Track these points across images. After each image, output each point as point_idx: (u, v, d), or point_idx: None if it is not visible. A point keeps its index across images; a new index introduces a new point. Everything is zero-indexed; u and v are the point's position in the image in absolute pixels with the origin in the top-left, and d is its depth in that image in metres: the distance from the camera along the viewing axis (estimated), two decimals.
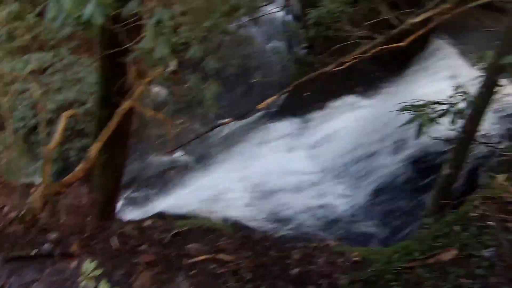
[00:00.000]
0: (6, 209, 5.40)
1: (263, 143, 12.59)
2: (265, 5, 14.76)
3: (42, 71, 13.26)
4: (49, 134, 11.98)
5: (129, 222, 6.43)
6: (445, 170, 5.74)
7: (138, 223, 6.08)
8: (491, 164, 7.84)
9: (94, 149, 4.54)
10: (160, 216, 9.50)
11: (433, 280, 4.31)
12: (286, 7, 14.26)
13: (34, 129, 12.29)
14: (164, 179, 11.87)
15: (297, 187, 10.71)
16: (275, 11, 14.91)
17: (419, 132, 5.19)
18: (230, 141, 13.16)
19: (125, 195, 11.03)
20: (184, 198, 10.49)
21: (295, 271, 5.01)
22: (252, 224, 9.64)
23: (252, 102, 14.81)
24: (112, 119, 4.89)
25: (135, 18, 4.42)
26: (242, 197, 10.52)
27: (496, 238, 4.31)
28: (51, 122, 11.41)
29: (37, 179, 10.57)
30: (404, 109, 5.48)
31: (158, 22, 4.40)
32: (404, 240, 5.37)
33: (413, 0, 10.30)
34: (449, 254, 4.39)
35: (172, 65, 6.12)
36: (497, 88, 5.24)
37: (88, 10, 3.43)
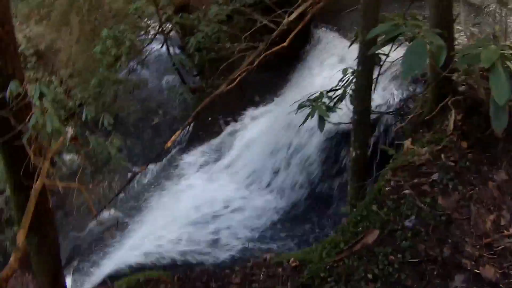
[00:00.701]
0: None
1: (184, 178, 12.58)
2: (147, 45, 14.90)
3: None
4: None
5: None
6: (353, 153, 5.80)
7: None
8: (397, 132, 7.82)
9: (20, 237, 4.52)
10: (110, 278, 9.50)
11: (363, 266, 4.38)
12: (166, 41, 14.34)
13: None
14: (103, 241, 11.59)
15: (227, 209, 10.72)
16: (157, 48, 15.08)
17: (321, 124, 5.24)
18: (152, 186, 13.17)
19: (72, 269, 10.96)
20: (127, 254, 10.36)
21: None
22: (192, 259, 9.64)
23: (162, 141, 14.93)
24: (29, 202, 4.87)
25: (18, 99, 4.44)
26: (180, 236, 10.28)
27: (414, 205, 4.43)
28: None
29: None
30: (300, 106, 5.53)
31: (41, 96, 4.45)
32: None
33: (285, 1, 10.57)
34: (372, 236, 4.46)
35: (70, 132, 6.14)
36: (373, 62, 5.36)
37: None
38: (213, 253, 9.63)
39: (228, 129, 12.98)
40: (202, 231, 10.26)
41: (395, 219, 4.46)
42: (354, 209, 5.26)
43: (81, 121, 14.27)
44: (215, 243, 9.89)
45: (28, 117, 4.58)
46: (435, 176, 4.69)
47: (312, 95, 5.80)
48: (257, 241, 9.60)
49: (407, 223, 4.34)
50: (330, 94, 5.87)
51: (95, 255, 11.38)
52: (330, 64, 10.48)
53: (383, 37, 4.05)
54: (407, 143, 5.42)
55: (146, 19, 14.25)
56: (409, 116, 6.23)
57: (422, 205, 4.39)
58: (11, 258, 4.38)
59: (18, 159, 5.17)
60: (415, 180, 4.66)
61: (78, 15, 13.86)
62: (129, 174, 13.67)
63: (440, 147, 5.08)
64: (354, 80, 5.65)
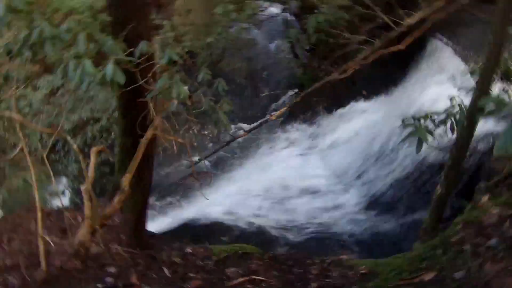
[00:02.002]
0: (53, 245, 5.84)
1: (276, 148, 12.87)
2: (265, 8, 15.09)
3: (53, 93, 13.64)
4: (68, 153, 12.51)
5: (172, 249, 6.82)
6: (438, 190, 5.93)
7: (180, 251, 6.47)
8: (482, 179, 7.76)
9: (126, 181, 4.88)
10: (185, 228, 9.88)
11: None
12: (285, 9, 14.50)
13: (52, 148, 12.64)
14: (185, 186, 12.04)
15: (311, 192, 10.90)
16: (272, 10, 15.24)
17: (419, 147, 5.31)
18: (245, 147, 13.45)
19: (149, 203, 11.19)
20: (207, 207, 10.71)
21: (314, 285, 5.43)
22: (273, 232, 9.91)
23: (262, 104, 15.17)
24: (138, 149, 5.22)
25: (146, 57, 4.80)
26: (263, 204, 10.76)
27: (467, 262, 4.66)
28: (68, 142, 11.84)
29: (61, 200, 11.03)
30: (405, 124, 5.62)
31: (169, 61, 4.83)
32: (404, 253, 5.64)
33: (406, 1, 10.59)
34: (429, 275, 4.74)
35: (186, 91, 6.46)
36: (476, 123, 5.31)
37: (109, 71, 3.90)
38: (285, 232, 9.94)
39: (331, 116, 13.05)
40: (283, 207, 10.60)
41: (450, 268, 4.69)
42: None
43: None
44: (294, 223, 10.12)
45: (151, 76, 5.00)
46: (492, 241, 4.77)
47: (416, 113, 5.91)
48: (334, 233, 9.80)
49: (456, 275, 4.56)
50: (434, 116, 5.73)
51: (173, 198, 11.92)
52: (439, 80, 10.29)
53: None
54: (484, 199, 5.55)
55: None
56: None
57: (472, 265, 4.60)
58: (115, 199, 4.77)
59: (134, 109, 5.58)
60: (477, 240, 4.80)
61: None
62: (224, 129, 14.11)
63: (508, 213, 5.11)
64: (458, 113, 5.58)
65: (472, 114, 5.00)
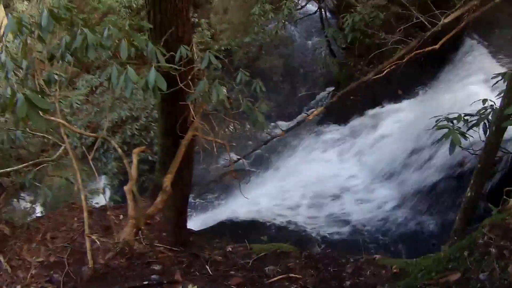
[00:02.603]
0: (98, 243, 6.03)
1: (313, 148, 12.90)
2: (301, 8, 15.16)
3: (92, 91, 13.87)
4: (107, 151, 12.71)
5: (214, 247, 6.98)
6: (468, 192, 5.89)
7: (221, 249, 6.64)
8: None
9: (168, 181, 4.99)
10: (224, 225, 10.00)
11: None
12: (321, 9, 14.54)
13: (91, 146, 12.90)
14: (223, 185, 12.24)
15: (347, 191, 11.00)
16: (310, 7, 15.29)
17: (453, 148, 5.32)
18: (283, 145, 13.53)
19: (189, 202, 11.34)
20: (245, 205, 10.73)
21: (348, 283, 5.57)
22: (310, 231, 10.00)
23: (299, 102, 15.25)
24: (179, 150, 5.36)
25: (185, 61, 4.94)
26: (300, 203, 10.83)
27: (492, 264, 4.73)
28: (108, 141, 12.02)
29: (105, 198, 11.22)
30: (438, 125, 5.62)
31: (208, 65, 4.97)
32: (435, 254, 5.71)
33: (442, 1, 10.58)
34: (455, 276, 4.84)
35: (224, 92, 6.59)
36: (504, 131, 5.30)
37: (151, 78, 4.04)
38: (322, 230, 10.02)
39: (367, 115, 13.01)
40: (320, 206, 10.68)
41: (475, 269, 4.75)
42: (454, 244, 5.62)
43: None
44: (331, 222, 10.24)
45: (190, 79, 5.15)
46: None
47: (449, 114, 5.95)
48: (369, 232, 9.89)
49: (481, 276, 4.64)
50: (467, 117, 5.88)
51: (212, 196, 12.12)
52: (474, 81, 10.18)
53: None
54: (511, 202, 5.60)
55: None
56: None
57: (496, 267, 4.67)
58: (158, 199, 4.90)
59: (174, 111, 5.74)
60: (502, 242, 4.87)
61: None
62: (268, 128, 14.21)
63: None
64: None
65: (500, 120, 5.02)
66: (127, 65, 4.04)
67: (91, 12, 15.13)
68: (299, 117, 13.80)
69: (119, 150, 5.56)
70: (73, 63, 4.75)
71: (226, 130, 14.32)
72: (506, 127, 5.14)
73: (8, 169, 7.00)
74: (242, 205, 10.82)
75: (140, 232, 4.84)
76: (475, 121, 5.71)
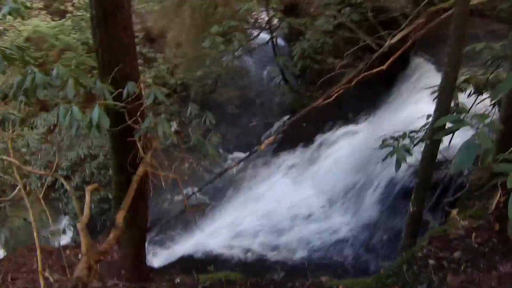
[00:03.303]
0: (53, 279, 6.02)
1: (269, 177, 12.91)
2: (253, 39, 15.30)
3: (51, 131, 13.83)
4: (67, 191, 12.66)
5: (163, 279, 7.02)
6: (411, 208, 6.01)
7: (171, 281, 6.68)
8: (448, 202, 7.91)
9: (120, 217, 5.02)
10: (185, 260, 10.01)
11: None
12: (272, 39, 14.68)
13: (52, 186, 12.69)
14: (183, 220, 11.95)
15: (303, 217, 10.99)
16: (264, 38, 15.44)
17: (398, 166, 5.40)
18: (240, 176, 13.50)
19: (148, 239, 11.26)
20: (204, 238, 10.88)
21: None
22: (267, 259, 10.04)
23: (255, 133, 15.33)
24: (131, 186, 5.40)
25: (134, 97, 5.01)
26: (258, 231, 10.76)
27: (430, 276, 4.87)
28: (68, 178, 11.98)
29: (66, 238, 11.17)
30: (384, 144, 5.72)
31: (155, 100, 5.05)
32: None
33: (389, 22, 10.79)
34: None
35: (174, 126, 6.64)
36: (439, 142, 5.50)
37: (95, 116, 4.10)
38: (280, 258, 10.01)
39: (320, 140, 13.10)
40: (277, 233, 10.59)
41: (413, 282, 4.93)
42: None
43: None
44: (288, 248, 10.22)
45: (139, 114, 5.22)
46: (457, 254, 5.06)
47: (396, 132, 6.06)
48: (324, 255, 9.90)
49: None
50: (412, 134, 6.02)
51: (172, 231, 11.93)
52: (421, 97, 10.23)
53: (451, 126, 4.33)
54: (453, 213, 5.73)
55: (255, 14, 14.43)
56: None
57: (435, 278, 4.81)
58: (110, 235, 4.93)
59: (125, 147, 5.79)
60: (441, 253, 5.03)
61: (190, 7, 14.38)
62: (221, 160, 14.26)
63: (475, 225, 5.38)
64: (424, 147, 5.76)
65: (434, 133, 5.14)
66: (73, 104, 4.10)
67: (49, 49, 15.14)
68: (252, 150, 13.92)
69: (68, 187, 5.58)
70: (31, 102, 4.81)
71: (187, 164, 14.33)
72: (440, 140, 5.33)
73: None
74: (201, 238, 10.90)
75: (93, 269, 4.86)
76: (419, 137, 5.86)
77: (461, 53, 5.07)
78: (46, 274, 5.64)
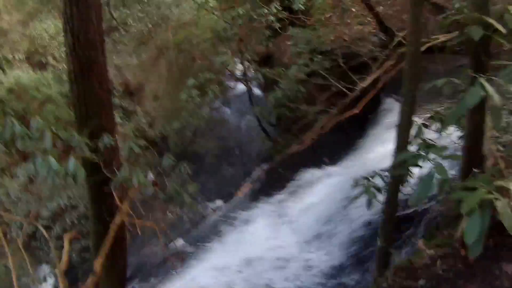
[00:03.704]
0: None
1: (247, 224, 12.85)
2: (229, 90, 15.60)
3: (31, 180, 13.93)
4: (48, 240, 12.74)
5: None
6: (378, 243, 6.17)
7: None
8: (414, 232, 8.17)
9: (97, 264, 5.16)
10: None
11: None
12: (248, 90, 14.93)
13: (33, 235, 12.84)
14: (165, 267, 12.06)
15: (284, 260, 10.91)
16: (240, 88, 15.71)
17: (369, 204, 5.57)
18: (219, 223, 13.43)
19: (130, 287, 11.51)
20: (185, 285, 10.92)
21: None
22: None
23: (235, 180, 15.51)
24: (108, 234, 5.58)
25: (110, 149, 5.21)
26: (236, 277, 10.60)
27: None
28: (49, 228, 12.07)
29: (47, 285, 11.23)
30: (356, 183, 5.88)
31: (130, 151, 5.25)
32: None
33: (360, 66, 11.08)
34: None
35: (150, 177, 6.81)
36: (401, 179, 5.58)
37: (71, 167, 4.30)
38: None
39: (295, 184, 13.21)
40: (257, 279, 10.45)
41: None
42: None
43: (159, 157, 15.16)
44: None
45: (116, 165, 5.41)
46: (421, 281, 5.08)
47: (368, 172, 6.22)
48: None
49: None
50: (383, 173, 6.04)
51: (154, 279, 12.03)
52: (390, 136, 10.30)
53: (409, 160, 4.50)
54: (420, 243, 5.89)
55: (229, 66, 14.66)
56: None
57: None
58: (88, 281, 5.09)
59: (102, 197, 5.97)
60: (406, 282, 5.15)
61: (166, 60, 14.67)
62: (200, 207, 14.45)
63: (441, 253, 5.39)
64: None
65: (394, 168, 5.33)
66: (49, 155, 4.28)
67: (30, 101, 15.33)
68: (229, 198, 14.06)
69: (44, 232, 5.74)
70: (10, 152, 4.99)
71: (167, 214, 14.45)
72: (402, 176, 5.45)
73: None
74: (182, 284, 10.97)
75: None
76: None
77: (416, 91, 5.21)
78: None
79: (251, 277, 10.80)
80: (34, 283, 10.06)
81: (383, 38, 11.95)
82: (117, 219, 5.74)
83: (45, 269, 12.50)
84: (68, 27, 5.22)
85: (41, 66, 17.53)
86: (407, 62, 5.21)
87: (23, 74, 16.12)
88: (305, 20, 13.11)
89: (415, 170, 5.06)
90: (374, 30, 12.75)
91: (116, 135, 5.78)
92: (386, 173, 6.08)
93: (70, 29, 5.21)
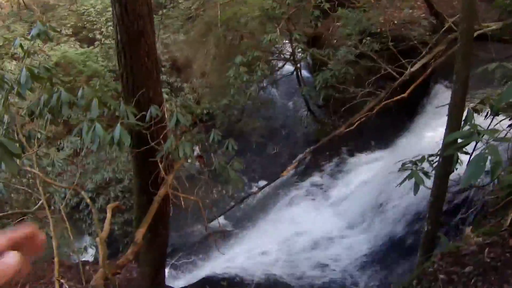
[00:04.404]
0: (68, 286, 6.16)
1: (291, 203, 12.97)
2: (277, 70, 15.48)
3: (77, 154, 14.04)
4: (91, 212, 12.86)
5: None
6: (425, 227, 6.10)
7: None
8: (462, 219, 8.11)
9: (139, 234, 5.13)
10: (205, 283, 10.06)
11: None
12: (296, 70, 14.83)
13: (76, 207, 13.20)
14: (205, 245, 12.19)
15: (324, 242, 11.06)
16: (289, 69, 15.60)
17: (416, 188, 5.41)
18: (262, 203, 13.67)
19: (170, 263, 11.59)
20: (225, 263, 10.94)
21: None
22: (286, 281, 10.07)
23: (280, 161, 15.45)
24: (152, 205, 5.55)
25: (156, 120, 5.17)
26: (279, 257, 10.89)
27: None
28: (92, 200, 12.14)
29: (88, 256, 11.32)
30: (402, 167, 5.74)
31: (177, 123, 5.20)
32: None
33: (409, 50, 10.92)
34: None
35: (197, 151, 6.80)
36: (451, 159, 5.46)
37: (116, 133, 4.27)
38: (300, 282, 10.05)
39: (342, 167, 13.29)
40: (298, 259, 10.74)
41: None
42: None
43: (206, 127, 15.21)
44: (306, 274, 10.26)
45: (162, 137, 5.37)
46: (468, 269, 5.05)
47: (415, 156, 6.10)
48: (337, 278, 9.95)
49: None
50: (431, 158, 5.96)
51: (194, 256, 12.07)
52: (442, 123, 10.09)
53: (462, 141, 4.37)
54: (467, 230, 5.74)
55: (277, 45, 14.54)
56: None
57: None
58: (129, 250, 5.06)
59: (147, 168, 5.95)
60: (452, 268, 5.04)
61: (214, 37, 14.60)
62: (245, 187, 14.52)
63: (489, 240, 5.36)
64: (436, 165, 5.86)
65: (445, 149, 5.28)
66: (96, 122, 4.26)
67: (76, 75, 15.43)
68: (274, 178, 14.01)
69: (88, 200, 5.73)
70: (56, 120, 4.97)
71: (210, 191, 14.46)
72: (453, 157, 5.31)
73: None
74: (222, 263, 10.95)
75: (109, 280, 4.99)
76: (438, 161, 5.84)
77: (469, 69, 5.12)
78: (62, 281, 5.78)
79: (291, 259, 10.76)
80: (75, 253, 10.13)
81: (433, 21, 11.75)
82: (162, 191, 5.72)
83: (86, 240, 12.62)
84: None
85: (89, 41, 17.63)
86: (460, 40, 5.11)
87: (69, 49, 16.24)
88: (354, 1, 12.94)
89: (464, 158, 4.97)
90: (424, 15, 12.54)
91: (165, 108, 5.74)
92: (435, 158, 6.00)
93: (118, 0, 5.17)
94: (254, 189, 14.00)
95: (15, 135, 5.21)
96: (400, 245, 9.84)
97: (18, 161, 3.92)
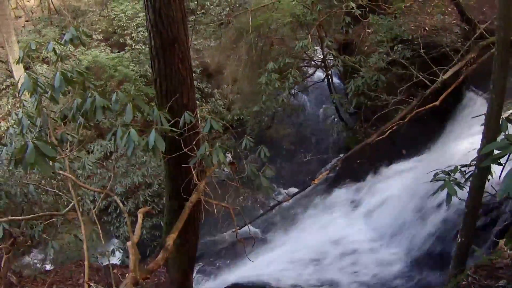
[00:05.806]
0: None
1: (322, 212, 12.96)
2: (309, 77, 15.47)
3: (107, 157, 14.14)
4: (119, 215, 12.94)
5: None
6: (459, 239, 5.97)
7: None
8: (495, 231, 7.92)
9: (170, 240, 5.14)
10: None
11: None
12: (328, 77, 14.81)
13: (105, 210, 13.37)
14: (233, 251, 12.29)
15: (354, 253, 10.96)
16: (319, 76, 15.59)
17: (449, 200, 5.29)
18: (291, 210, 13.63)
19: (198, 268, 11.61)
20: (253, 270, 10.80)
21: None
22: None
23: (310, 169, 15.42)
24: (184, 211, 5.55)
25: (189, 126, 5.18)
26: (308, 266, 10.81)
27: None
28: (122, 204, 12.19)
29: (115, 259, 11.39)
30: (435, 178, 5.66)
31: (210, 129, 5.19)
32: None
33: (440, 57, 10.82)
34: None
35: (229, 157, 6.77)
36: (487, 170, 5.34)
37: (151, 139, 4.27)
38: None
39: (373, 177, 13.17)
40: (327, 270, 10.64)
41: None
42: None
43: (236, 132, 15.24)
44: (332, 282, 10.15)
45: (194, 144, 5.37)
46: (502, 282, 5.01)
47: (448, 167, 6.02)
48: None
49: None
50: (463, 168, 5.83)
51: (222, 262, 12.13)
52: (475, 132, 9.88)
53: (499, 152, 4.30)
54: (501, 242, 5.68)
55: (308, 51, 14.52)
56: None
57: None
58: (159, 256, 5.05)
59: (179, 174, 5.95)
60: (486, 281, 5.02)
61: (245, 43, 14.62)
62: (274, 194, 14.42)
63: None
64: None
65: (481, 160, 5.13)
66: (130, 127, 4.27)
67: (107, 79, 15.56)
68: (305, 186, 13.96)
69: (121, 205, 5.73)
70: (89, 124, 5.00)
71: (241, 197, 14.50)
72: (489, 168, 5.21)
73: (20, 217, 7.15)
74: (249, 270, 10.87)
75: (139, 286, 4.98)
76: (471, 172, 5.72)
77: (506, 79, 5.01)
78: (92, 284, 5.79)
79: (319, 266, 10.70)
80: (103, 255, 10.21)
81: (465, 28, 11.67)
82: (194, 197, 5.72)
83: (114, 242, 12.72)
84: (149, 4, 5.18)
85: (119, 46, 17.78)
86: (497, 49, 4.98)
87: (100, 54, 16.38)
88: (385, 7, 12.88)
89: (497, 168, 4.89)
90: (455, 21, 12.46)
91: (198, 115, 5.75)
92: (468, 169, 5.91)
93: (152, 5, 5.18)
94: (284, 196, 13.94)
95: (48, 139, 5.23)
96: (431, 257, 9.74)
97: (51, 163, 3.94)
